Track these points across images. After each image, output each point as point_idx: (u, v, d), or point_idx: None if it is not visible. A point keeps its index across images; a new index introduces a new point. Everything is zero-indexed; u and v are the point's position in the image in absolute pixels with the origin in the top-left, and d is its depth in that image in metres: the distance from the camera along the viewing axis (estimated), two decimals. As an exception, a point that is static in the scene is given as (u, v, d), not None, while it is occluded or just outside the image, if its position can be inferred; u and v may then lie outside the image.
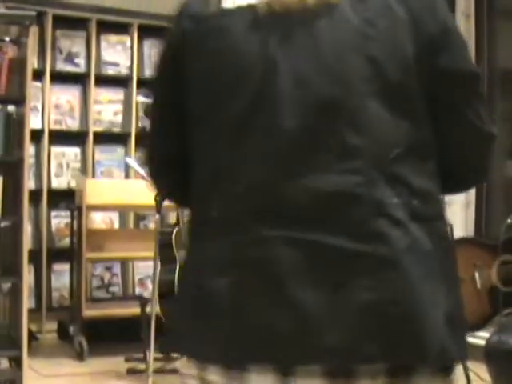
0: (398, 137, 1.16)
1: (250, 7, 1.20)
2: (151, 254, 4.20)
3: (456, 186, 1.34)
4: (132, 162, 4.54)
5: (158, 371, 4.35)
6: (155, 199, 4.04)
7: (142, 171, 4.27)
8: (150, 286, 4.80)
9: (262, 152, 1.17)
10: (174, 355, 4.74)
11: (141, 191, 5.01)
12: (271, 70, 1.17)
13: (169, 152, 1.38)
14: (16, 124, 4.10)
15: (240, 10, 1.21)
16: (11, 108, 4.15)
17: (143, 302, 4.68)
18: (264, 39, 1.18)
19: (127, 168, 6.05)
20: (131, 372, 4.59)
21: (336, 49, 1.16)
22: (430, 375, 1.14)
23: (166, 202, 4.13)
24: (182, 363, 1.26)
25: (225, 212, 1.19)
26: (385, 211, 1.12)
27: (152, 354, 3.98)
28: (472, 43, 5.15)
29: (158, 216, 4.08)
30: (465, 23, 5.19)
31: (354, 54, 1.15)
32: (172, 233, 4.57)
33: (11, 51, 4.17)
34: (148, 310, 4.43)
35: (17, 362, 4.07)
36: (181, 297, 1.29)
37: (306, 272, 1.11)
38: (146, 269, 5.83)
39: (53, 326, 5.54)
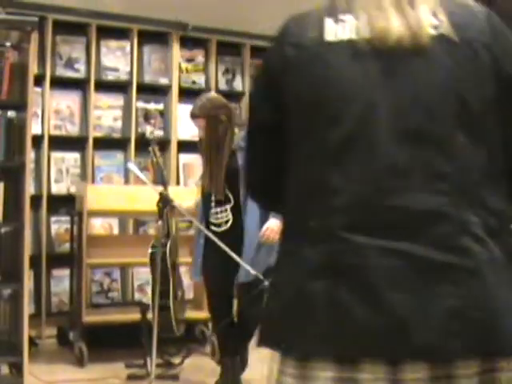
0: (478, 163, 1.33)
1: (351, 41, 1.34)
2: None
3: None
4: (133, 167, 4.53)
5: (158, 377, 4.35)
6: (157, 205, 4.03)
7: (142, 176, 4.26)
8: (150, 292, 4.78)
9: (360, 176, 1.31)
10: (176, 361, 4.74)
11: (141, 197, 5.02)
12: (370, 101, 1.32)
13: (266, 168, 1.53)
14: (17, 129, 4.10)
15: (342, 43, 1.35)
16: (12, 113, 4.14)
17: (143, 307, 4.67)
18: (364, 72, 1.33)
19: (127, 173, 6.05)
20: (131, 378, 4.58)
21: (429, 86, 1.32)
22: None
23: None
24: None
25: (323, 224, 1.32)
26: (467, 228, 1.28)
27: (154, 359, 3.97)
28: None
29: (160, 222, 4.06)
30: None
31: (445, 92, 1.32)
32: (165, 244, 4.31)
33: (12, 56, 4.17)
34: (149, 316, 4.42)
35: (17, 368, 4.06)
36: (276, 298, 1.38)
37: (396, 279, 1.26)
38: (145, 275, 5.82)
39: (52, 331, 5.52)
